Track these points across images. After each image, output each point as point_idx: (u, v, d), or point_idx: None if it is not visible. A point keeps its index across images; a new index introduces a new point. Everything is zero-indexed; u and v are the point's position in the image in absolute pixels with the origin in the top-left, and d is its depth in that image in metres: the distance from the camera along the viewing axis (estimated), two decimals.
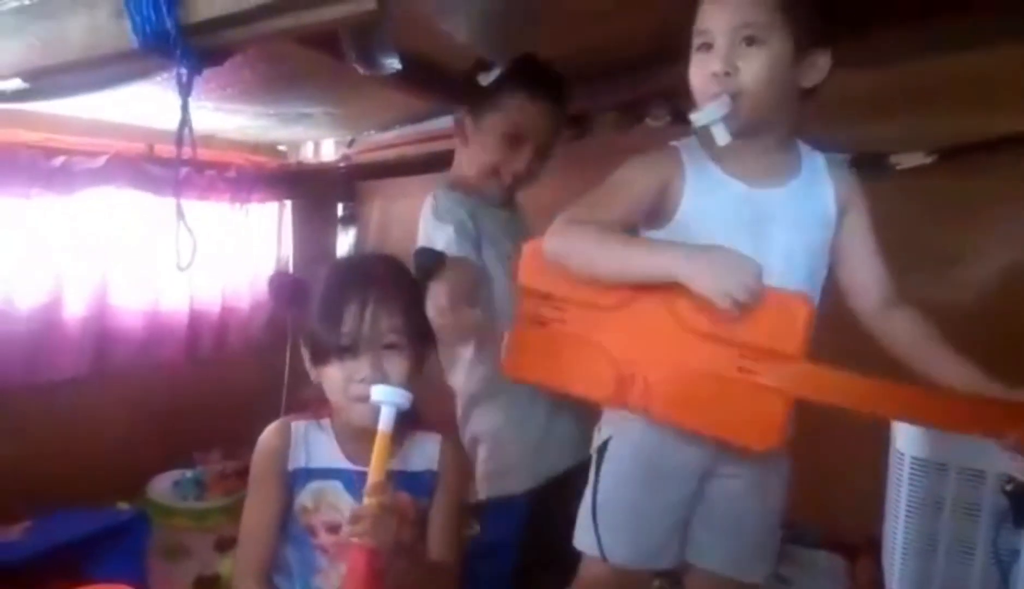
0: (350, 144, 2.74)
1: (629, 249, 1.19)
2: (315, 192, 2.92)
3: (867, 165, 2.04)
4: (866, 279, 1.27)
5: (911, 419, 1.11)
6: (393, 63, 1.34)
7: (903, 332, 1.22)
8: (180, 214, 1.20)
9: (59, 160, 2.02)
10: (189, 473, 2.46)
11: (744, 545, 1.34)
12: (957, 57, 1.93)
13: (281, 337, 2.44)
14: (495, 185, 1.70)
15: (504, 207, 1.75)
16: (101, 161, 2.10)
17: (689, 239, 1.21)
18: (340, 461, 1.28)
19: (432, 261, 1.41)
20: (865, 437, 1.63)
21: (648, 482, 1.32)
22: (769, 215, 1.23)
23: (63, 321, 2.17)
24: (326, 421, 1.31)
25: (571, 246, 1.22)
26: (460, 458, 1.38)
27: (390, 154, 2.66)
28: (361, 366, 1.21)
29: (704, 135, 1.20)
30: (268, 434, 1.31)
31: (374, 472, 1.15)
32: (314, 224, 3.01)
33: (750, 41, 1.14)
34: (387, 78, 1.45)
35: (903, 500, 1.67)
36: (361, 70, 1.36)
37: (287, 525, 1.28)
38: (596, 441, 1.38)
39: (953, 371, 1.17)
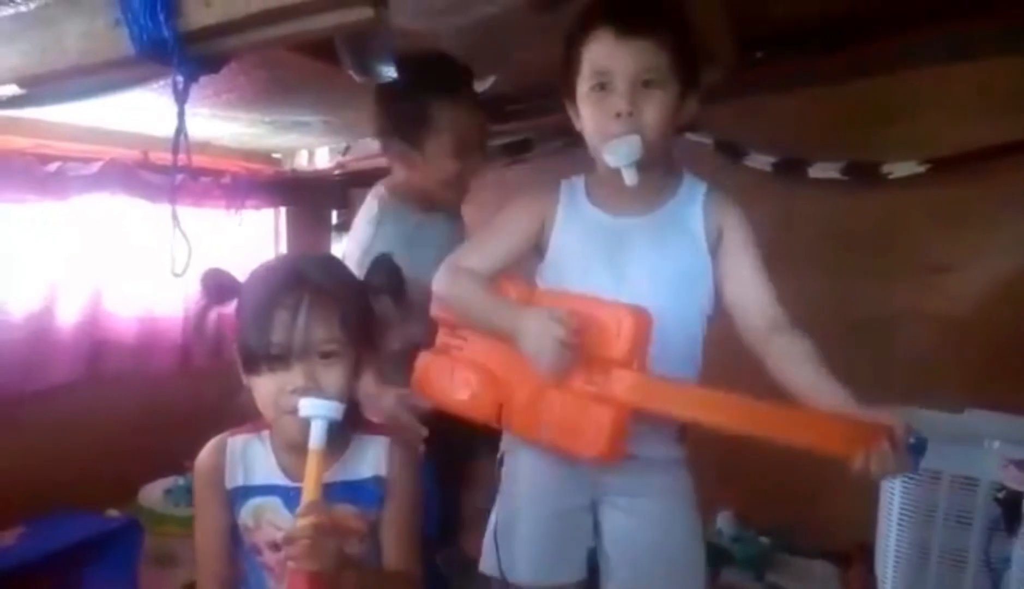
0: (345, 151, 2.75)
1: (484, 305, 1.29)
2: (310, 199, 2.92)
3: (860, 174, 2.06)
4: (747, 303, 1.27)
5: (750, 433, 1.06)
6: (388, 70, 1.35)
7: (780, 355, 1.20)
8: (175, 220, 1.20)
9: (54, 166, 2.02)
10: (181, 480, 2.44)
11: (652, 581, 1.33)
12: (950, 66, 1.95)
13: None
14: (455, 191, 1.73)
15: (449, 215, 1.78)
16: (96, 167, 2.09)
17: (561, 268, 1.33)
18: (278, 477, 1.22)
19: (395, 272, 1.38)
20: None
21: (539, 497, 1.35)
22: (629, 242, 1.29)
23: (57, 327, 2.16)
24: (265, 433, 1.25)
25: (450, 295, 1.33)
26: (410, 460, 1.28)
27: (384, 161, 2.66)
28: (293, 377, 1.12)
29: (608, 171, 1.25)
30: (205, 453, 1.26)
31: (307, 491, 1.10)
32: (309, 231, 3.01)
33: (647, 84, 1.20)
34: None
35: (896, 508, 1.68)
36: (357, 78, 1.36)
37: (237, 543, 1.24)
38: (498, 457, 1.42)
39: (824, 394, 1.11)
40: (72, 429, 2.22)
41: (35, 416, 2.13)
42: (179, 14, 1.00)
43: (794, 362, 1.18)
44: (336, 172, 2.79)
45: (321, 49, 1.39)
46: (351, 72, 1.35)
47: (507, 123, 2.34)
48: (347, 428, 1.22)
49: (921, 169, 1.97)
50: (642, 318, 1.15)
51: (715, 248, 1.30)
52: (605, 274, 1.27)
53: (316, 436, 1.10)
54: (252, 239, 2.78)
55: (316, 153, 2.83)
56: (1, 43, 1.16)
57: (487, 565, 1.39)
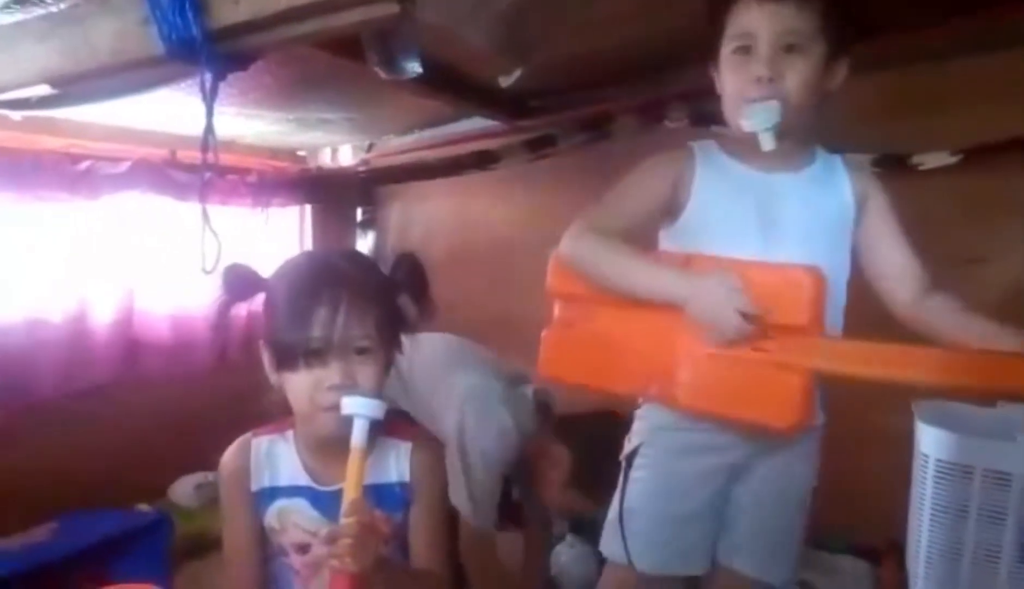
0: (369, 149, 2.76)
1: (634, 269, 1.22)
2: (335, 196, 2.93)
3: (890, 165, 2.03)
4: (895, 270, 1.26)
5: (934, 381, 1.05)
6: (414, 66, 1.34)
7: (940, 318, 1.20)
8: (205, 218, 1.20)
9: (84, 165, 2.04)
10: (211, 476, 2.47)
11: (768, 544, 1.34)
12: (982, 56, 1.92)
13: None
14: None
15: None
16: (125, 166, 2.12)
17: (703, 227, 1.25)
18: (303, 478, 1.21)
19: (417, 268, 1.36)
20: (889, 440, 1.62)
21: (676, 489, 1.31)
22: (781, 196, 1.24)
23: (92, 328, 2.19)
24: (289, 433, 1.24)
25: (583, 258, 1.26)
26: (434, 464, 1.26)
27: (409, 158, 2.68)
28: (331, 373, 1.11)
29: (745, 137, 1.21)
30: (229, 455, 1.25)
31: (350, 489, 1.08)
32: (334, 228, 3.02)
33: (790, 48, 1.16)
34: (407, 82, 1.46)
35: (928, 504, 1.65)
36: (382, 74, 1.36)
37: (265, 544, 1.23)
38: (626, 449, 1.38)
39: (999, 337, 1.14)
40: (104, 427, 2.24)
41: (69, 415, 2.16)
42: (207, 12, 1.00)
43: (957, 315, 1.20)
44: (361, 169, 2.81)
45: (345, 46, 1.39)
46: (377, 69, 1.35)
47: (531, 118, 2.34)
48: (372, 432, 1.21)
49: (952, 160, 1.94)
50: (819, 280, 1.11)
51: (860, 212, 1.28)
52: (757, 230, 1.22)
53: (358, 434, 1.08)
54: (278, 237, 2.80)
55: (339, 151, 2.84)
56: (31, 43, 1.17)
57: (610, 549, 1.37)
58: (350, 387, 1.11)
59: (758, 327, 1.10)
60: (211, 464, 2.51)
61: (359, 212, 3.11)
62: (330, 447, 1.14)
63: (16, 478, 1.91)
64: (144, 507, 2.16)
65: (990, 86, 1.95)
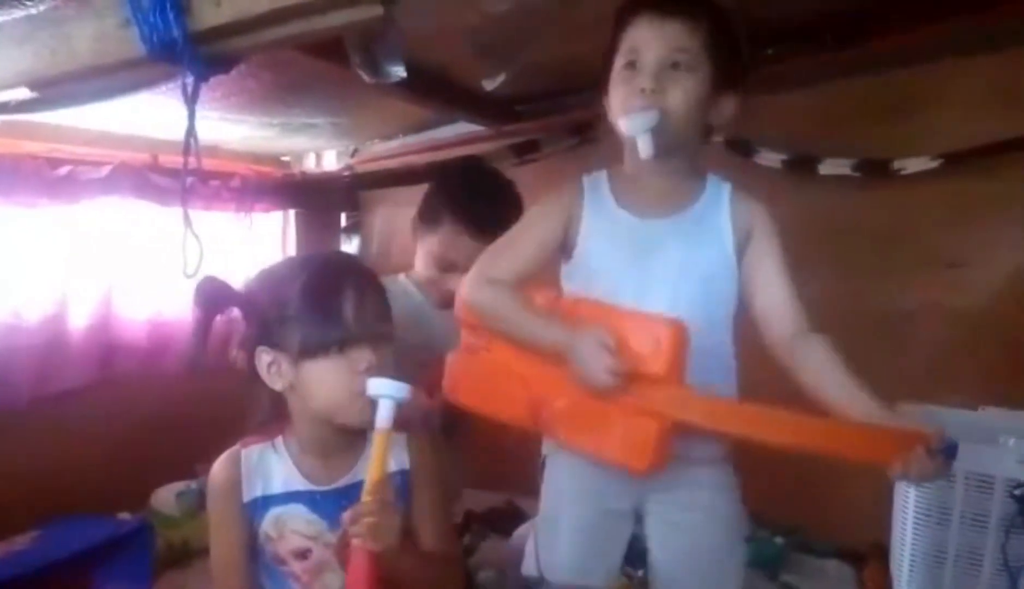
0: (353, 154, 2.75)
1: (523, 323, 1.24)
2: (319, 201, 2.92)
3: (871, 170, 2.05)
4: (772, 308, 1.26)
5: (791, 446, 1.07)
6: (399, 70, 1.34)
7: (807, 362, 1.20)
8: (187, 222, 1.20)
9: (64, 170, 2.02)
10: (193, 484, 2.44)
11: (696, 577, 1.32)
12: (963, 60, 1.94)
13: None
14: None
15: None
16: (106, 171, 2.10)
17: (588, 271, 1.29)
18: (299, 482, 1.22)
19: None
20: None
21: (580, 499, 1.33)
22: (656, 244, 1.26)
23: (68, 332, 2.16)
24: (279, 441, 1.25)
25: (481, 310, 1.29)
26: (432, 450, 1.31)
27: (393, 163, 2.67)
28: (363, 356, 1.16)
29: (630, 150, 1.25)
30: (218, 467, 1.25)
31: (374, 470, 1.11)
32: (318, 233, 3.01)
33: (676, 66, 1.20)
34: (391, 86, 1.45)
35: (911, 507, 1.66)
36: (366, 78, 1.36)
37: (257, 555, 1.24)
38: (540, 461, 1.40)
39: (850, 400, 1.14)
40: (83, 433, 2.22)
41: (47, 420, 2.13)
42: (189, 14, 1.00)
43: (821, 368, 1.19)
44: (345, 174, 2.80)
45: (329, 50, 1.39)
46: (361, 72, 1.34)
47: (515, 123, 2.34)
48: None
49: (934, 164, 1.95)
50: (679, 331, 1.13)
51: (742, 250, 1.28)
52: (632, 277, 1.25)
53: (383, 416, 1.11)
54: (261, 242, 2.78)
55: (324, 155, 2.84)
56: (11, 46, 1.16)
57: (528, 566, 1.37)
58: (379, 368, 1.16)
59: (624, 380, 1.13)
60: (193, 471, 2.51)
61: (343, 217, 3.09)
62: (333, 446, 1.17)
63: None
64: (126, 515, 2.13)
65: (971, 90, 1.97)
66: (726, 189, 1.31)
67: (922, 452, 1.02)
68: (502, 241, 1.34)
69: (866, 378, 1.13)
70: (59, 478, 2.06)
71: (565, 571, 1.33)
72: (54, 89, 1.26)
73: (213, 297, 1.22)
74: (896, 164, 2.01)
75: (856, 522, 2.04)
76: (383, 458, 1.12)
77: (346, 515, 1.09)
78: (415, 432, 1.30)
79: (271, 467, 1.23)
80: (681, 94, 1.19)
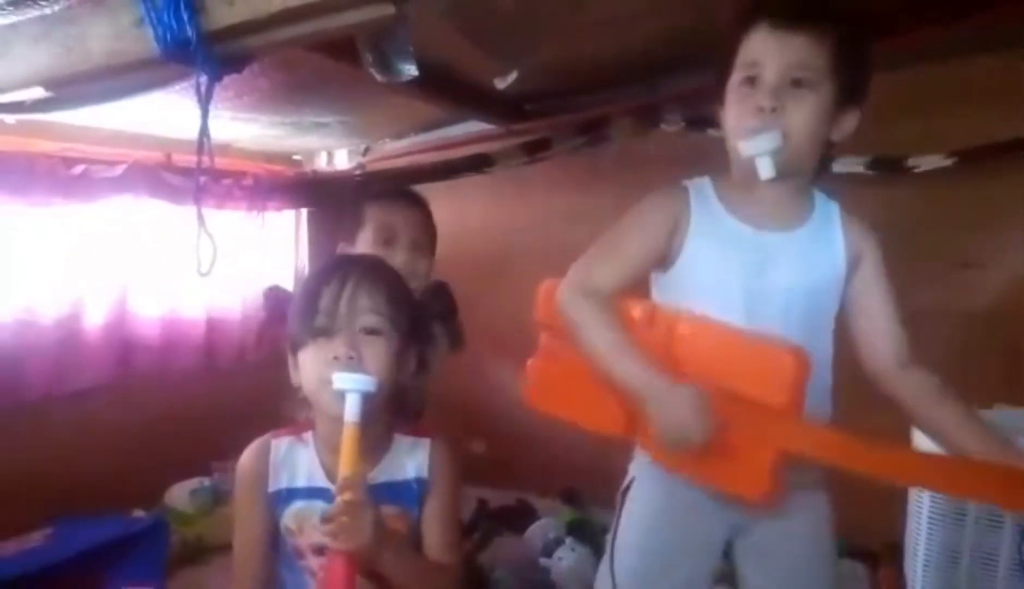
0: (365, 152, 2.75)
1: (614, 352, 1.16)
2: (330, 200, 2.93)
3: (886, 168, 2.03)
4: (878, 335, 1.23)
5: (914, 484, 1.06)
6: (411, 69, 1.34)
7: (915, 394, 1.18)
8: (201, 220, 1.20)
9: (78, 169, 2.04)
10: (207, 481, 2.46)
11: None
12: (978, 59, 1.92)
13: None
14: None
15: None
16: (120, 170, 2.11)
17: (692, 281, 1.22)
18: (321, 480, 1.22)
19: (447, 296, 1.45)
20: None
21: (669, 526, 1.28)
22: (771, 259, 1.20)
23: (84, 330, 2.18)
24: (308, 436, 1.25)
25: (573, 322, 1.21)
26: (451, 461, 1.29)
27: (404, 162, 2.68)
28: (335, 346, 1.14)
29: (742, 165, 1.18)
30: (248, 456, 1.25)
31: (344, 466, 1.09)
32: (329, 232, 3.01)
33: (798, 83, 1.13)
34: (402, 85, 1.45)
35: (926, 508, 1.65)
36: (378, 77, 1.36)
37: (277, 546, 1.24)
38: (623, 483, 1.35)
39: (974, 436, 1.10)
40: (98, 430, 2.24)
41: (62, 418, 2.16)
42: (202, 14, 1.00)
43: (934, 400, 1.16)
44: (356, 173, 2.80)
45: (340, 49, 1.39)
46: (372, 71, 1.34)
47: (526, 121, 2.34)
48: (390, 427, 1.24)
49: (948, 163, 1.94)
50: (804, 362, 1.08)
51: (852, 270, 1.24)
52: (743, 292, 1.18)
53: (351, 409, 1.09)
54: (273, 240, 2.80)
55: (335, 154, 2.84)
56: (26, 45, 1.16)
57: (601, 587, 1.34)
58: (352, 360, 1.13)
59: (738, 394, 1.09)
60: (207, 468, 2.52)
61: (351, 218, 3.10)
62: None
63: (10, 482, 1.90)
64: (140, 512, 2.15)
65: (986, 88, 1.95)
66: (835, 208, 1.27)
67: None
68: (604, 244, 1.25)
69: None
70: (73, 475, 2.07)
71: None
72: (68, 89, 1.27)
73: (279, 305, 1.25)
74: (910, 162, 2.00)
75: (870, 522, 2.02)
76: (353, 454, 1.10)
77: (321, 516, 1.09)
78: (439, 440, 1.28)
79: (297, 461, 1.24)
80: (802, 114, 1.13)
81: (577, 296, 1.21)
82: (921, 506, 1.67)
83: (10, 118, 1.58)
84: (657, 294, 1.28)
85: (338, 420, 1.12)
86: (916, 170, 1.99)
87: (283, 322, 1.26)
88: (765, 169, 1.13)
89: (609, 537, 1.34)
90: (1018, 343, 1.97)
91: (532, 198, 2.63)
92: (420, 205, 1.87)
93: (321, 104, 1.99)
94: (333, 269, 1.21)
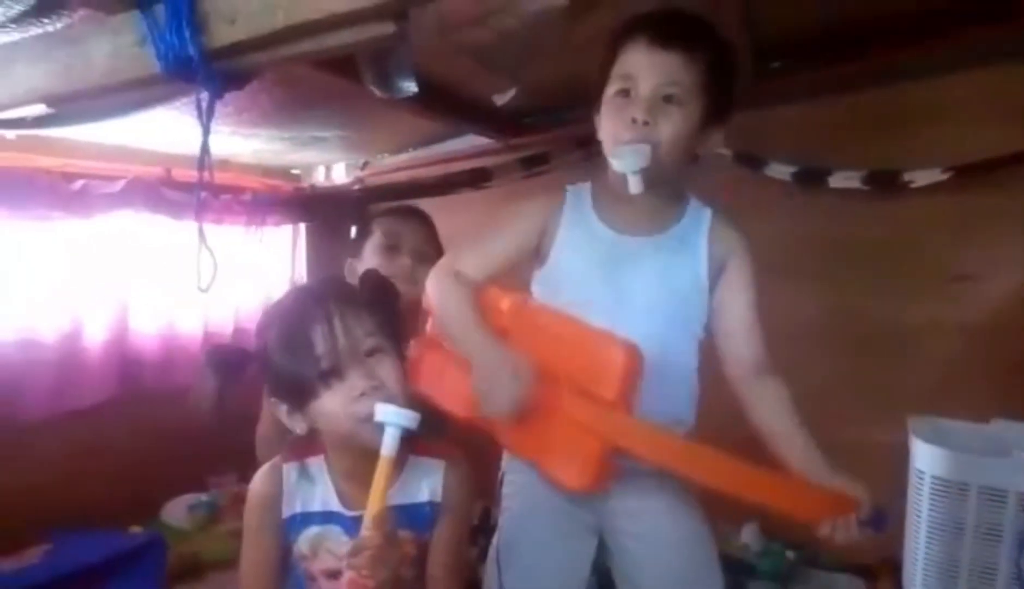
0: (363, 167, 2.76)
1: (461, 324, 1.25)
2: (329, 215, 2.93)
3: (882, 182, 2.04)
4: (733, 339, 1.27)
5: (725, 490, 1.08)
6: (410, 85, 1.35)
7: (759, 403, 1.23)
8: (201, 236, 1.20)
9: (78, 184, 2.04)
10: (204, 497, 2.45)
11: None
12: (973, 73, 1.94)
13: None
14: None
15: None
16: (119, 185, 2.11)
17: (559, 279, 1.30)
18: (336, 504, 1.21)
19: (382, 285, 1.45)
20: (885, 456, 1.62)
21: (539, 512, 1.32)
22: (629, 261, 1.27)
23: (85, 348, 2.17)
24: (320, 460, 1.24)
25: (434, 299, 1.30)
26: (466, 485, 1.28)
27: (403, 176, 2.68)
28: (353, 383, 1.13)
29: (615, 174, 1.25)
30: (259, 481, 1.24)
31: (375, 500, 1.09)
32: (328, 247, 3.02)
33: (669, 99, 1.19)
34: (401, 100, 1.46)
35: (923, 521, 1.65)
36: (378, 93, 1.37)
37: (287, 572, 1.23)
38: (499, 476, 1.40)
39: (792, 449, 1.18)
40: (95, 446, 2.23)
41: (61, 435, 2.14)
42: (204, 32, 1.00)
43: (772, 410, 1.22)
44: (355, 188, 2.81)
45: (341, 65, 1.40)
46: (372, 87, 1.35)
47: (524, 136, 2.35)
48: (406, 448, 1.21)
49: (944, 177, 1.95)
50: (633, 357, 1.13)
51: (716, 276, 1.29)
52: (603, 291, 1.25)
53: (388, 443, 1.09)
54: (273, 255, 2.80)
55: (334, 169, 2.85)
56: (28, 63, 1.17)
57: (489, 582, 1.36)
58: (378, 388, 1.12)
59: (571, 385, 1.14)
60: (204, 483, 2.51)
61: (353, 230, 3.10)
62: (365, 471, 1.13)
63: (8, 499, 1.90)
64: (137, 529, 2.14)
65: (982, 103, 1.96)
66: (707, 214, 1.32)
67: (851, 520, 1.06)
68: (477, 239, 1.34)
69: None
70: (70, 491, 2.06)
71: None
72: (70, 105, 1.27)
73: (227, 363, 1.20)
74: (906, 176, 2.01)
75: (867, 537, 2.03)
76: (385, 487, 1.10)
77: (346, 550, 1.09)
78: (454, 462, 1.27)
79: (311, 485, 1.23)
80: (671, 129, 1.19)
81: (440, 275, 1.30)
82: (919, 519, 1.67)
83: (10, 134, 1.59)
84: (535, 289, 1.35)
85: (367, 452, 1.12)
86: (912, 185, 2.00)
87: (236, 378, 1.21)
88: (634, 185, 1.21)
89: (496, 534, 1.38)
90: (1014, 356, 1.97)
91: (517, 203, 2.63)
92: (424, 219, 1.99)
93: (321, 119, 2.00)
94: (308, 309, 1.16)
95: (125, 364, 2.29)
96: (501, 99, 1.69)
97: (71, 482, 2.10)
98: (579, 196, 1.35)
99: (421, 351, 1.36)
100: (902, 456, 1.67)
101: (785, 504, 1.09)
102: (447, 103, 1.90)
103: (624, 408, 1.13)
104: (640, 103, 1.19)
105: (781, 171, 2.17)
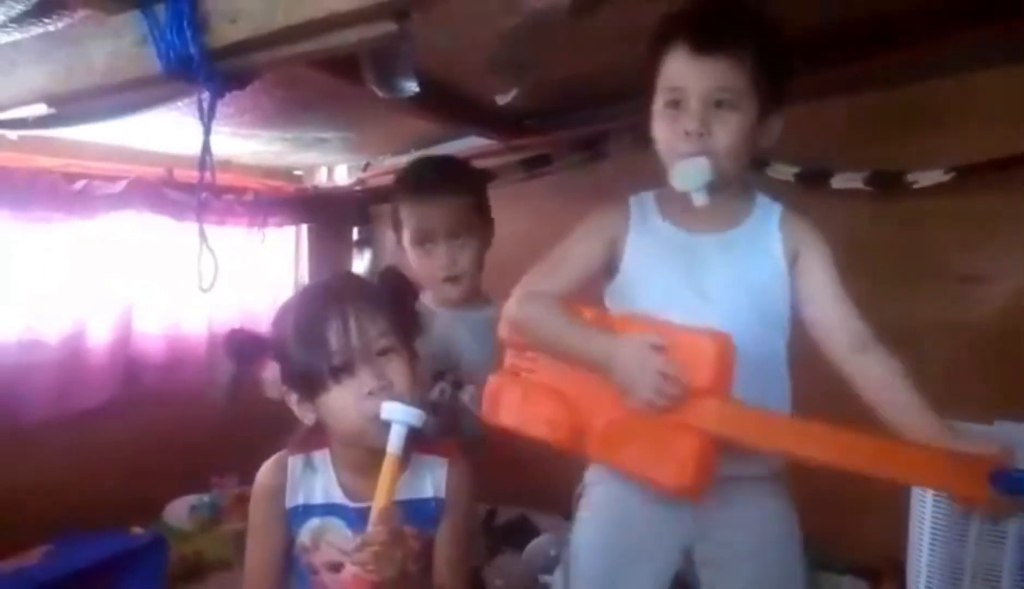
0: (365, 168, 2.76)
1: (567, 334, 1.22)
2: (331, 216, 2.93)
3: (884, 183, 2.04)
4: (829, 323, 1.24)
5: (844, 466, 1.04)
6: (412, 86, 1.35)
7: (865, 378, 1.19)
8: (203, 237, 1.20)
9: (79, 184, 2.04)
10: (206, 497, 2.45)
11: None
12: (975, 74, 1.93)
13: None
14: (445, 290, 1.70)
15: (473, 308, 1.72)
16: (121, 186, 2.11)
17: (636, 288, 1.28)
18: (339, 497, 1.22)
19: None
20: None
21: (623, 532, 1.29)
22: (705, 260, 1.25)
23: (88, 349, 2.17)
24: (325, 453, 1.26)
25: (526, 323, 1.27)
26: (467, 483, 1.30)
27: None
28: (363, 380, 1.15)
29: (678, 191, 1.22)
30: (265, 472, 1.26)
31: (381, 497, 1.10)
32: (330, 247, 3.02)
33: (721, 104, 1.16)
34: (402, 101, 1.46)
35: (927, 524, 1.64)
36: (380, 93, 1.37)
37: (290, 563, 1.24)
38: (577, 490, 1.37)
39: (908, 418, 1.12)
40: (96, 447, 2.22)
41: (63, 436, 2.14)
42: (205, 31, 1.00)
43: (882, 383, 1.16)
44: (357, 189, 2.81)
45: (343, 66, 1.40)
46: (374, 87, 1.35)
47: (526, 137, 2.35)
48: (412, 445, 1.22)
49: (946, 178, 1.94)
50: (724, 343, 1.11)
51: (792, 268, 1.27)
52: (683, 293, 1.23)
53: (395, 441, 1.10)
54: (274, 256, 2.80)
55: (335, 170, 2.85)
56: (29, 63, 1.17)
57: None
58: (386, 387, 1.14)
59: (679, 388, 1.10)
60: (207, 484, 2.50)
61: (355, 231, 3.11)
62: (369, 464, 1.15)
63: (10, 499, 1.89)
64: (138, 529, 2.13)
65: (985, 104, 1.96)
66: (776, 210, 1.30)
67: (985, 483, 0.97)
68: (548, 259, 1.31)
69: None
70: (72, 492, 2.06)
71: None
72: (71, 105, 1.27)
73: (244, 349, 1.23)
74: (909, 177, 2.00)
75: (872, 538, 2.02)
76: (392, 484, 1.11)
77: (355, 543, 1.10)
78: (457, 460, 1.28)
79: (314, 477, 1.24)
80: (728, 135, 1.17)
81: (524, 298, 1.27)
82: (923, 522, 1.66)
83: (12, 134, 1.59)
84: (608, 302, 1.33)
85: (373, 447, 1.14)
86: (915, 185, 1.99)
87: (253, 365, 1.24)
88: (699, 199, 1.19)
89: (565, 545, 1.35)
90: (1019, 358, 1.96)
91: (531, 213, 2.63)
92: (457, 189, 1.69)
93: (322, 120, 2.00)
94: (325, 305, 1.18)
95: (127, 365, 2.29)
96: (503, 100, 1.68)
97: (73, 483, 2.10)
98: (643, 204, 1.32)
99: (500, 384, 1.34)
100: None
101: (914, 474, 1.05)
102: (449, 104, 1.90)
103: (722, 395, 1.11)
104: (692, 114, 1.16)
105: (783, 172, 2.16)
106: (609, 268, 1.31)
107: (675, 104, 1.19)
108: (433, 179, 1.69)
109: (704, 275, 1.24)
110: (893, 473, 1.04)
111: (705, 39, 1.15)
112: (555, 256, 1.32)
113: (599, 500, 1.33)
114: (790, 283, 1.27)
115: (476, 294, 1.73)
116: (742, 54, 1.15)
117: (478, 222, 1.69)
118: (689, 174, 1.17)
